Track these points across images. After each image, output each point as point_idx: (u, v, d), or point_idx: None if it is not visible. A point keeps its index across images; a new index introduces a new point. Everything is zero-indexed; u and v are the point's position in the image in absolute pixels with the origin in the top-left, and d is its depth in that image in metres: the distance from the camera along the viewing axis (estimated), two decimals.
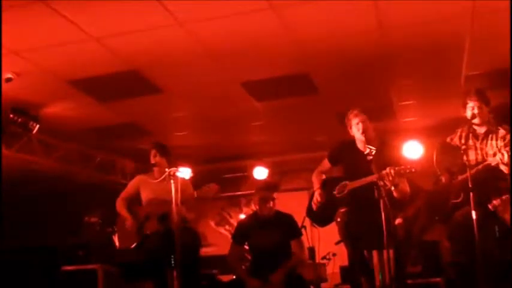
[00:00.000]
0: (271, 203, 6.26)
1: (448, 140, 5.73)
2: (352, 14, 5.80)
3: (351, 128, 5.63)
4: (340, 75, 7.34)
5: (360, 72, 7.27)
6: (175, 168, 5.78)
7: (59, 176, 9.55)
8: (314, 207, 5.75)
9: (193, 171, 6.63)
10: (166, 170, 5.88)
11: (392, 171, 5.07)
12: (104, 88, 7.47)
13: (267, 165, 10.43)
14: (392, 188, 5.12)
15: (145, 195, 6.57)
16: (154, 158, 6.55)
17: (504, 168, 5.05)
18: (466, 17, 5.90)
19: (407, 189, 5.37)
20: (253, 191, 6.60)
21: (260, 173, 10.35)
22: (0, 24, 5.44)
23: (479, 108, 5.39)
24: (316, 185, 5.86)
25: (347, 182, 5.53)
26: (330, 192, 5.68)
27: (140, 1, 5.34)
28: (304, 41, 6.32)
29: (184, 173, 6.18)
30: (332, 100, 8.16)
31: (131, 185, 6.80)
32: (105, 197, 7.59)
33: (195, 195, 6.10)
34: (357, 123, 5.53)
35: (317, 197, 5.74)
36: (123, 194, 6.74)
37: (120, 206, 6.65)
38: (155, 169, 6.55)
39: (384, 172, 5.08)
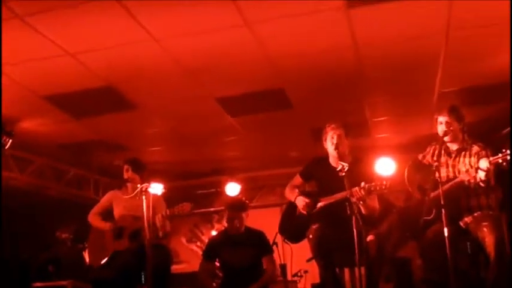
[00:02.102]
0: (239, 222, 6.25)
1: (420, 157, 5.73)
2: (326, 31, 5.82)
3: (325, 141, 5.65)
4: (315, 91, 7.36)
5: (334, 88, 7.29)
6: (147, 184, 5.75)
7: (31, 191, 9.44)
8: (304, 210, 5.69)
9: (166, 187, 6.57)
10: (138, 185, 5.84)
11: (362, 189, 5.08)
12: (79, 104, 7.41)
13: (240, 181, 10.39)
14: (360, 204, 5.13)
15: (117, 211, 6.53)
16: (127, 173, 6.52)
17: (483, 183, 5.04)
18: (440, 35, 5.95)
19: (376, 205, 5.38)
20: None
21: (232, 189, 10.30)
22: None
23: (451, 125, 5.37)
24: (293, 194, 5.83)
25: (319, 198, 5.52)
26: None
27: (115, 17, 5.32)
28: (278, 57, 6.33)
29: (157, 188, 6.12)
30: (306, 116, 8.17)
31: (104, 200, 6.76)
32: (77, 212, 7.52)
33: (168, 213, 6.07)
34: (332, 137, 5.56)
35: (304, 200, 5.69)
36: (96, 209, 6.70)
37: (93, 219, 6.61)
38: (128, 185, 6.52)
39: (354, 189, 5.09)
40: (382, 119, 8.58)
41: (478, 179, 5.02)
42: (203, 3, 5.19)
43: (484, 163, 4.95)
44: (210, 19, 5.49)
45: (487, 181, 5.00)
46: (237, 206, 6.45)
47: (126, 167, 6.55)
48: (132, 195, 6.15)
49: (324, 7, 5.36)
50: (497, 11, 5.48)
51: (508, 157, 4.81)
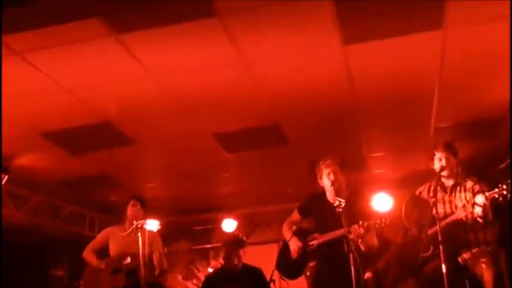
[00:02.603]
0: (237, 258, 6.21)
1: (417, 192, 5.74)
2: (322, 67, 5.85)
3: (321, 178, 5.65)
4: (311, 126, 7.37)
5: (330, 124, 7.29)
6: (142, 221, 5.74)
7: (27, 228, 9.37)
8: (295, 255, 5.66)
9: (163, 223, 6.56)
10: (134, 222, 5.81)
11: (362, 227, 5.07)
12: (76, 140, 7.39)
13: (236, 217, 10.34)
14: (359, 241, 5.10)
15: (114, 248, 6.51)
16: (134, 207, 6.48)
17: (480, 215, 5.03)
18: (434, 70, 5.98)
19: (375, 242, 5.36)
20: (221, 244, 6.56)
21: (229, 225, 10.25)
22: None
23: (448, 160, 5.41)
24: (288, 234, 5.82)
25: (317, 235, 5.49)
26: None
27: (113, 54, 5.35)
28: (275, 93, 6.35)
29: (153, 225, 6.11)
30: (302, 151, 8.16)
31: (100, 237, 6.73)
32: (72, 249, 7.46)
33: (165, 251, 6.04)
34: (328, 174, 5.56)
35: (297, 243, 5.65)
36: (91, 246, 6.67)
37: (89, 256, 6.57)
38: (127, 221, 6.48)
39: (353, 226, 5.07)
40: (379, 154, 8.59)
41: (475, 215, 5.02)
42: (200, 40, 5.23)
43: (480, 198, 4.96)
44: (206, 56, 5.51)
45: (484, 216, 5.00)
46: (234, 243, 6.42)
47: (132, 202, 6.52)
48: (128, 231, 6.12)
49: (320, 44, 5.40)
50: (490, 46, 5.54)
51: (505, 192, 4.84)
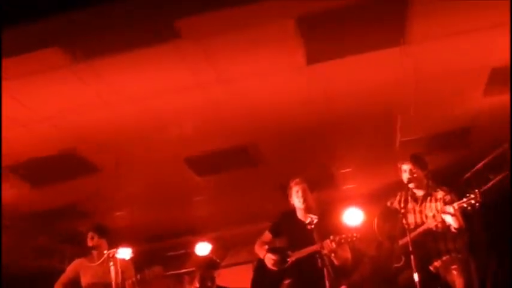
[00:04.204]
0: (211, 281, 6.18)
1: (389, 204, 5.80)
2: (288, 88, 5.92)
3: (291, 196, 5.67)
4: (280, 147, 7.41)
5: (299, 143, 7.34)
6: (114, 250, 5.66)
7: None
8: (274, 267, 5.61)
9: (135, 251, 6.48)
10: (105, 252, 5.73)
11: (333, 242, 5.09)
12: (39, 171, 7.28)
13: (210, 240, 10.28)
14: (332, 255, 5.12)
15: (85, 280, 6.38)
16: (92, 240, 6.38)
17: (453, 226, 5.09)
18: (399, 85, 6.09)
19: (348, 255, 5.39)
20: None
21: (202, 249, 10.17)
22: None
23: (415, 172, 5.49)
24: (262, 252, 5.78)
25: (289, 253, 5.49)
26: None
27: (71, 83, 5.31)
28: (243, 114, 6.38)
29: (124, 253, 6.03)
30: (273, 172, 8.17)
31: (70, 270, 6.60)
32: (42, 284, 7.30)
33: (139, 278, 5.96)
34: (297, 191, 5.59)
35: (272, 257, 5.62)
36: (61, 280, 6.53)
37: None
38: (94, 252, 6.37)
39: (325, 241, 5.09)
40: (348, 170, 8.64)
41: (447, 224, 5.08)
42: (167, 63, 5.24)
43: (449, 208, 5.02)
44: (174, 78, 5.53)
45: (459, 226, 5.05)
46: (208, 265, 6.40)
47: (90, 234, 6.42)
48: (99, 262, 6.03)
49: (284, 65, 5.45)
50: (452, 60, 5.67)
51: (473, 201, 4.91)
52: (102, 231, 6.45)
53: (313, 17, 4.76)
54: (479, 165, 8.41)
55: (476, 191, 5.01)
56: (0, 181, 7.10)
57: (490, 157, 8.18)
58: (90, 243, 6.39)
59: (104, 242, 6.33)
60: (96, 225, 6.59)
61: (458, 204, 5.02)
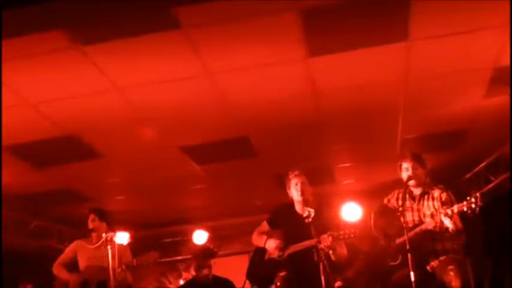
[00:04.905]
0: (208, 269, 6.20)
1: (386, 201, 5.81)
2: (287, 80, 5.89)
3: (289, 188, 5.65)
4: (279, 139, 7.41)
5: (297, 136, 7.35)
6: (112, 234, 5.68)
7: None
8: (276, 251, 5.54)
9: (133, 236, 6.51)
10: (104, 235, 5.76)
11: (331, 237, 5.09)
12: (40, 154, 7.30)
13: (206, 229, 10.33)
14: (330, 252, 5.13)
15: (82, 262, 6.41)
16: (93, 222, 6.42)
17: (450, 228, 5.09)
18: (399, 82, 6.07)
19: (345, 252, 5.39)
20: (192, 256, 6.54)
21: (199, 237, 10.23)
22: None
23: (415, 170, 5.49)
24: (262, 240, 5.72)
25: (286, 245, 5.50)
26: (269, 254, 5.64)
27: (76, 67, 5.29)
28: (241, 106, 6.37)
29: (122, 238, 6.06)
30: (271, 163, 8.20)
31: (68, 251, 6.63)
32: (41, 263, 7.34)
33: (135, 263, 5.98)
34: (296, 184, 5.57)
35: (275, 242, 5.56)
36: (60, 260, 6.57)
37: (58, 270, 6.48)
38: (93, 234, 6.41)
39: (323, 236, 5.10)
40: (346, 165, 8.66)
41: (445, 226, 5.08)
42: (165, 53, 5.21)
43: (448, 211, 5.02)
44: (172, 69, 5.51)
45: (456, 227, 5.06)
46: (204, 254, 6.42)
47: (91, 216, 6.46)
48: (97, 245, 6.06)
49: (285, 56, 5.43)
50: (455, 58, 5.66)
51: (473, 205, 4.88)
52: (103, 214, 6.49)
53: (314, 11, 4.73)
54: (480, 166, 8.45)
55: (477, 195, 4.91)
56: (1, 164, 7.12)
57: (490, 158, 8.23)
58: (90, 225, 6.42)
59: (104, 225, 6.36)
60: (97, 208, 6.64)
61: (458, 208, 4.98)
